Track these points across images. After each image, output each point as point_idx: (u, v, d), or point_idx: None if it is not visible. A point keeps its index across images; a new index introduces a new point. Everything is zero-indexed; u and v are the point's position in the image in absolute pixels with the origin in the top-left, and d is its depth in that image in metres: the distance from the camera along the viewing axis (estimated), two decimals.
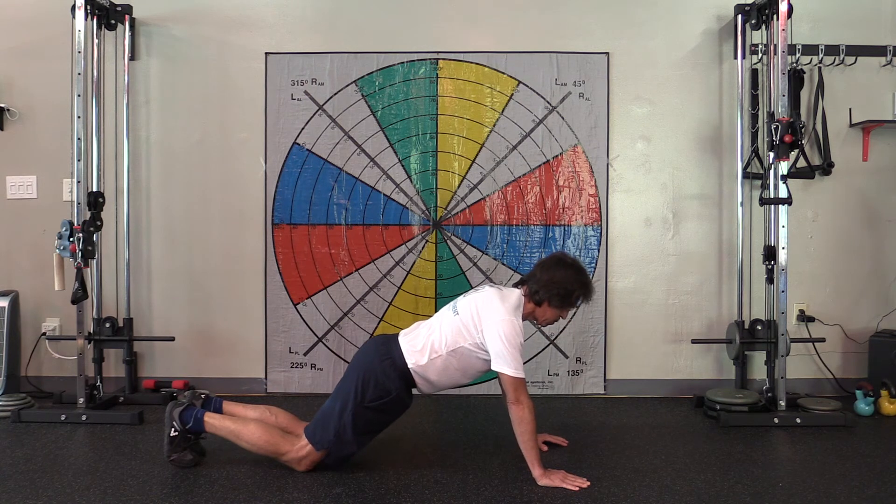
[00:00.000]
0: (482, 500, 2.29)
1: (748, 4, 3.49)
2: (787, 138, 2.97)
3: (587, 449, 2.82)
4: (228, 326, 3.70)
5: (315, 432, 2.50)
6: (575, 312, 3.59)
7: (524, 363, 3.56)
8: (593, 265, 3.66)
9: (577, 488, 2.35)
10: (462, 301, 2.61)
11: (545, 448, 2.80)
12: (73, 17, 3.19)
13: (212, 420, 2.55)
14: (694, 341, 3.62)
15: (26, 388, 3.61)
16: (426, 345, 2.53)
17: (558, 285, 2.56)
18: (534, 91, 3.63)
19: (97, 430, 3.05)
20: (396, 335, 2.63)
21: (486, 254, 3.66)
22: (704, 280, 3.68)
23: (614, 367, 3.68)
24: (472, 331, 2.50)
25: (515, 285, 2.68)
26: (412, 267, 3.67)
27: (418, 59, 3.64)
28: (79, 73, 3.13)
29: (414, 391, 2.60)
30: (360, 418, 2.48)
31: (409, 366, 2.51)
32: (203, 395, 2.67)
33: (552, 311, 2.62)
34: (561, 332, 3.64)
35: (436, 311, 3.61)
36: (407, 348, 2.54)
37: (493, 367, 2.47)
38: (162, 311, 3.70)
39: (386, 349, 2.56)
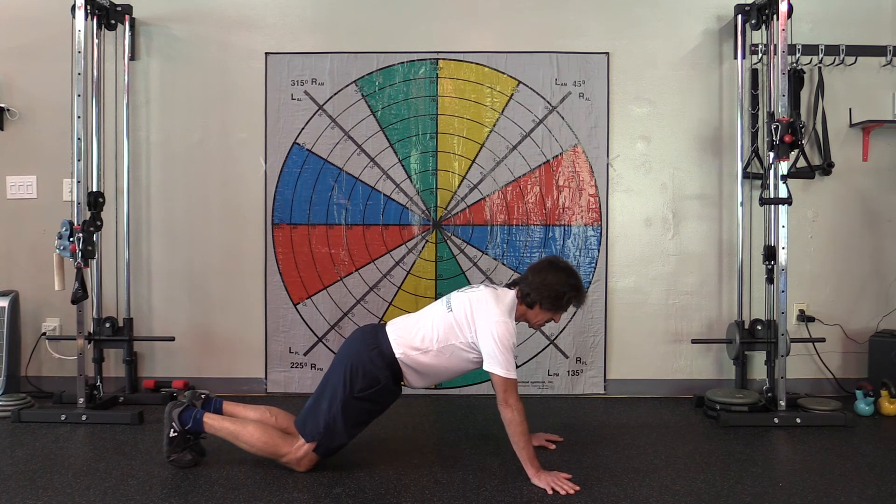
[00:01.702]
0: (482, 500, 2.29)
1: (748, 4, 3.49)
2: (787, 138, 2.98)
3: (587, 449, 2.82)
4: (228, 326, 3.70)
5: (305, 424, 2.50)
6: (574, 314, 3.59)
7: (523, 363, 3.62)
8: (593, 265, 3.66)
9: (563, 492, 2.34)
10: (456, 298, 2.61)
11: (553, 447, 2.81)
12: (73, 17, 3.19)
13: (211, 421, 2.55)
14: (694, 341, 3.62)
15: (26, 388, 3.61)
16: (415, 337, 2.53)
17: (550, 288, 2.56)
18: (534, 91, 3.63)
19: (97, 430, 3.05)
20: (384, 324, 2.64)
21: (486, 254, 3.66)
22: (704, 280, 3.68)
23: (614, 367, 3.68)
24: (464, 330, 2.51)
25: (508, 286, 2.68)
26: (412, 267, 3.67)
27: (418, 59, 3.64)
28: (79, 73, 3.13)
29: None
30: (350, 409, 2.48)
31: (397, 356, 2.51)
32: (203, 396, 2.67)
33: (544, 314, 2.62)
34: (561, 332, 3.64)
35: None
36: (395, 338, 2.54)
37: (485, 367, 2.47)
38: (162, 311, 3.70)
39: (373, 338, 2.56)
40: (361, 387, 2.48)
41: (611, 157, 3.65)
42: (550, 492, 2.33)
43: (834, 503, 2.28)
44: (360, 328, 2.75)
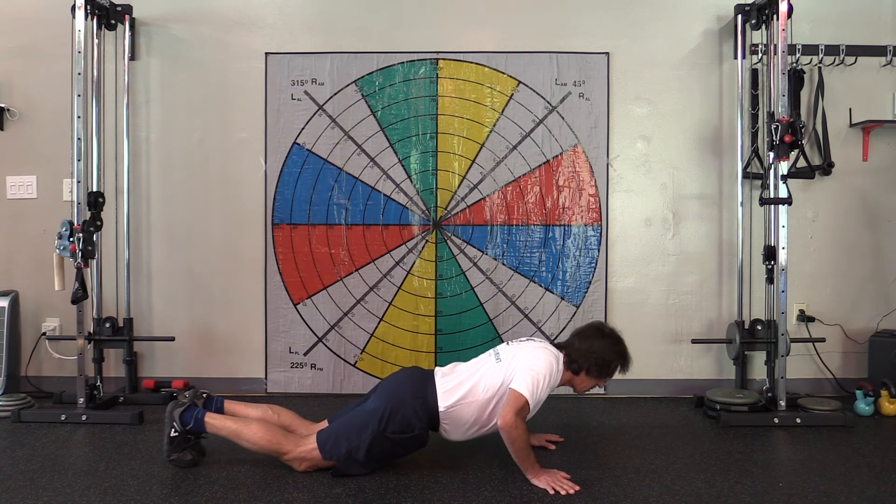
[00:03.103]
0: (482, 500, 2.29)
1: (748, 4, 3.49)
2: (787, 138, 2.97)
3: (587, 449, 2.83)
4: (228, 326, 3.70)
5: (327, 441, 2.48)
6: (574, 314, 3.59)
7: None
8: (593, 265, 3.66)
9: (564, 492, 2.33)
10: (504, 348, 2.64)
11: (553, 447, 2.81)
12: (73, 17, 3.19)
13: (212, 420, 2.54)
14: (694, 341, 3.62)
15: (26, 388, 3.61)
16: (462, 387, 2.53)
17: (596, 356, 2.59)
18: (534, 91, 3.63)
19: (97, 430, 3.05)
20: (433, 372, 2.63)
21: (486, 254, 3.66)
22: (704, 280, 3.68)
23: None
24: (511, 372, 2.50)
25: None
26: (412, 267, 3.67)
27: (418, 59, 3.64)
28: (79, 73, 3.13)
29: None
30: (377, 445, 2.46)
31: (441, 409, 2.51)
32: (204, 395, 2.67)
33: (590, 381, 2.65)
34: (561, 332, 3.64)
35: (436, 312, 3.65)
36: (442, 390, 2.53)
37: (512, 385, 2.45)
38: (162, 311, 3.70)
39: (421, 387, 2.55)
40: (395, 429, 2.47)
41: (611, 157, 3.65)
42: (552, 492, 2.33)
43: (834, 503, 2.28)
44: (410, 371, 2.70)
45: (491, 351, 2.67)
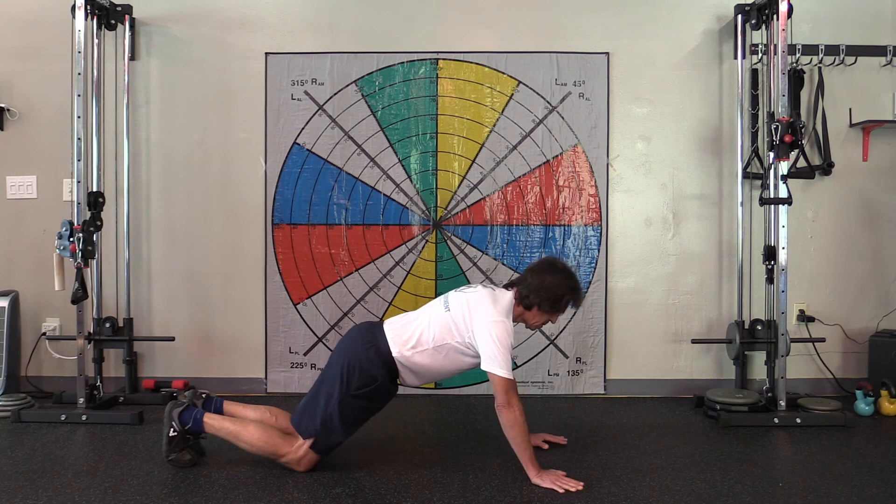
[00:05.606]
0: (482, 500, 2.29)
1: (748, 4, 3.49)
2: (787, 138, 2.97)
3: (587, 449, 2.82)
4: (228, 326, 3.70)
5: (301, 421, 2.50)
6: (574, 314, 3.60)
7: (524, 363, 3.62)
8: (593, 265, 3.66)
9: (564, 491, 2.33)
10: (454, 297, 2.61)
11: (546, 447, 2.80)
12: (73, 17, 3.19)
13: (211, 421, 2.55)
14: (694, 341, 3.62)
15: (26, 388, 3.61)
16: (412, 336, 2.53)
17: (548, 290, 2.57)
18: (534, 91, 3.63)
19: (97, 430, 3.05)
20: (381, 322, 2.64)
21: (486, 254, 3.66)
22: (704, 280, 3.68)
23: (614, 367, 3.68)
24: (461, 329, 2.50)
25: (506, 287, 2.68)
26: (412, 267, 3.67)
27: (418, 59, 3.64)
28: (79, 73, 3.13)
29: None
30: (347, 407, 2.48)
31: (394, 355, 2.51)
32: (203, 395, 2.67)
33: (542, 315, 2.62)
34: (561, 332, 3.64)
35: None
36: (392, 337, 2.54)
37: (484, 368, 2.46)
38: (162, 311, 3.70)
39: (371, 336, 2.56)
40: (358, 385, 2.48)
41: (611, 157, 3.65)
42: (561, 490, 2.33)
43: (834, 503, 2.28)
44: (357, 326, 2.74)
45: (441, 298, 2.65)
